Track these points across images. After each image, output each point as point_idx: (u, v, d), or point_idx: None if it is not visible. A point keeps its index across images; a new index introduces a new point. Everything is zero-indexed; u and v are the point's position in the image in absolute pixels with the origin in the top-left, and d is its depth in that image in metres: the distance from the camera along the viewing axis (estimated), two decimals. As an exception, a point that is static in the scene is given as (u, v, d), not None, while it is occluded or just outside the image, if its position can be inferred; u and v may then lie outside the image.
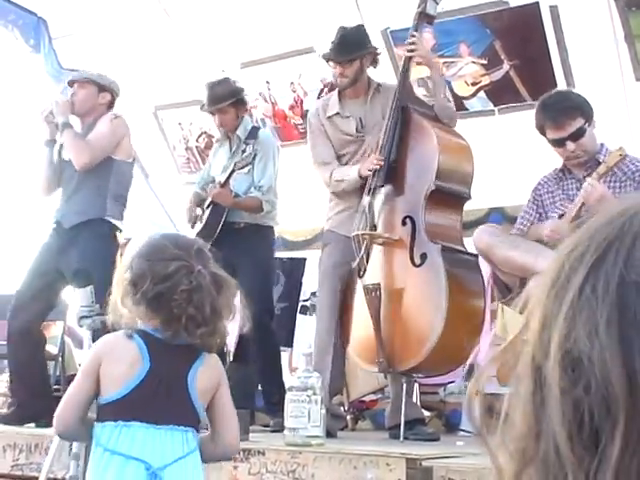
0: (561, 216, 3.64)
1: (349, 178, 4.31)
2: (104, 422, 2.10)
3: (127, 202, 4.86)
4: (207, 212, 4.92)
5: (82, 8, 6.40)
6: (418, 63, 4.41)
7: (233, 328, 6.42)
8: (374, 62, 4.47)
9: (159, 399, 2.09)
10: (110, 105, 4.84)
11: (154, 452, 2.07)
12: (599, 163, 3.53)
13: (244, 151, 4.87)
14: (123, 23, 6.43)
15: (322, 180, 4.52)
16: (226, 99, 4.88)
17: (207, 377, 2.15)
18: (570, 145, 3.57)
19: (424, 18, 4.36)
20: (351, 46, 4.33)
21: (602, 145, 3.58)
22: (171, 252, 2.11)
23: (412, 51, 4.23)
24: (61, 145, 4.76)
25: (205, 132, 6.86)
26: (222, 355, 5.04)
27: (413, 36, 4.27)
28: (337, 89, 4.54)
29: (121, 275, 2.15)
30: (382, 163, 4.12)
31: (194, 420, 2.14)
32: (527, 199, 3.88)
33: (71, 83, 4.83)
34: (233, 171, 4.75)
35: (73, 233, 4.59)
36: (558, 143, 3.60)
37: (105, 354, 2.13)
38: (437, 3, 4.37)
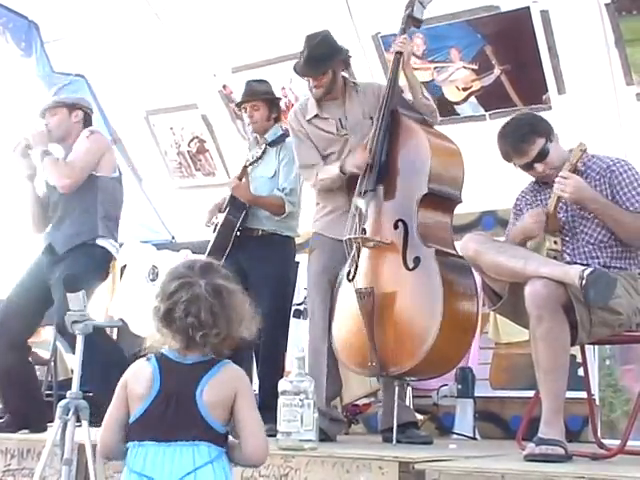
0: None
1: (330, 175, 4.33)
2: (129, 442, 2.26)
3: (119, 220, 4.79)
4: (222, 218, 4.90)
5: (73, 12, 6.40)
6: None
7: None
8: (346, 65, 4.49)
9: (169, 417, 2.21)
10: (86, 122, 4.80)
11: (164, 468, 2.20)
12: None
13: (265, 152, 4.92)
14: (114, 27, 6.42)
15: (308, 182, 4.54)
16: (260, 94, 4.95)
17: (217, 390, 2.24)
18: (539, 167, 3.63)
19: (411, 21, 4.39)
20: (320, 59, 4.35)
21: (571, 151, 3.61)
22: (178, 271, 2.31)
23: (402, 45, 4.26)
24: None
25: (197, 137, 6.86)
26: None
27: (404, 38, 4.30)
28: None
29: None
30: (370, 160, 4.14)
31: (207, 433, 2.22)
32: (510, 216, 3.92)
33: (42, 114, 4.77)
34: (246, 167, 4.81)
35: (67, 255, 4.56)
36: (527, 168, 3.67)
37: (129, 378, 2.30)
38: (424, 7, 4.40)
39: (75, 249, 4.55)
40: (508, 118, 3.84)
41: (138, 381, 2.27)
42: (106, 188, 4.68)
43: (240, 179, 4.80)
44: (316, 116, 4.47)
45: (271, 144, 4.90)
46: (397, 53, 4.30)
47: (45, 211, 4.76)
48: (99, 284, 4.73)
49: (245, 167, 4.83)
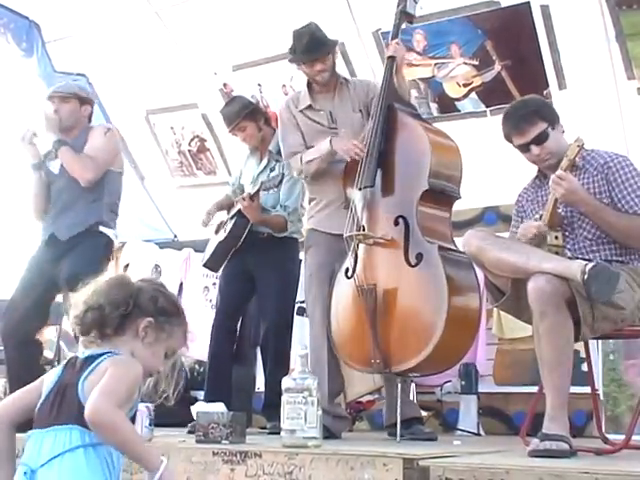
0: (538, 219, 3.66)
1: (318, 153, 4.34)
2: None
3: (118, 214, 4.83)
4: (231, 223, 4.93)
5: (74, 12, 6.40)
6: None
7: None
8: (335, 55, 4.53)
9: (54, 406, 2.24)
10: (90, 116, 4.84)
11: (34, 454, 2.21)
12: None
13: (273, 169, 4.94)
14: (115, 26, 6.43)
15: (295, 170, 4.53)
16: (238, 115, 4.96)
17: (95, 380, 2.20)
18: (534, 149, 3.60)
19: (404, 17, 4.39)
20: (322, 41, 4.41)
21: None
22: None
23: (395, 50, 4.27)
24: (46, 159, 4.74)
25: (197, 136, 6.86)
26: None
27: (395, 38, 4.31)
28: (306, 84, 4.55)
29: None
30: (363, 154, 4.12)
31: (82, 418, 2.15)
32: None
33: (51, 98, 4.75)
34: (259, 190, 4.82)
35: (71, 244, 4.57)
36: (523, 148, 3.65)
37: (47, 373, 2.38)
38: (416, 2, 4.40)
39: (78, 239, 4.56)
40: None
41: (48, 376, 2.33)
42: (112, 181, 4.73)
43: (252, 199, 4.81)
44: (309, 107, 4.49)
45: (277, 157, 4.90)
46: (389, 57, 4.30)
47: (48, 199, 4.75)
48: (103, 273, 4.74)
49: (258, 191, 4.83)
